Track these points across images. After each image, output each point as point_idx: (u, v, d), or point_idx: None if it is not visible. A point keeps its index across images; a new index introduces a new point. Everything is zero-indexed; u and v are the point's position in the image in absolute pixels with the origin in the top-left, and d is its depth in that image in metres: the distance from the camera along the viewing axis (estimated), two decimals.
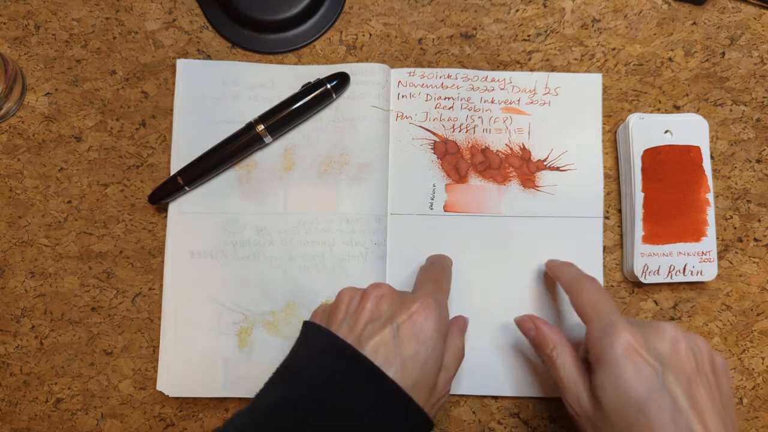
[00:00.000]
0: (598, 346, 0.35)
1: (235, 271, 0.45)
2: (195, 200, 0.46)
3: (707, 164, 0.45)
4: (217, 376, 0.44)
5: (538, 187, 0.47)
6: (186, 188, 0.45)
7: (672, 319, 0.46)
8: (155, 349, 0.46)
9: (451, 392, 0.45)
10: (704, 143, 0.45)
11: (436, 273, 0.41)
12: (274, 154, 0.47)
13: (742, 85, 0.48)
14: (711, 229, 0.45)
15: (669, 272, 0.45)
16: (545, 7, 0.48)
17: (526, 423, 0.46)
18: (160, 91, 0.48)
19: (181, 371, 0.45)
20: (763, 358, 0.46)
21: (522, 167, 0.47)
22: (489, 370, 0.45)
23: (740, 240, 0.47)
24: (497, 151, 0.47)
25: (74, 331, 0.46)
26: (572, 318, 0.45)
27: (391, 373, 0.33)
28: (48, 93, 0.47)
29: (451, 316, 0.45)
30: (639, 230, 0.45)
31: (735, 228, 0.47)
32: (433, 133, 0.47)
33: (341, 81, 0.46)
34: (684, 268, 0.45)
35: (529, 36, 0.48)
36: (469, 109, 0.47)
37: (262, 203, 0.46)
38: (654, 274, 0.45)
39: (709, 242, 0.45)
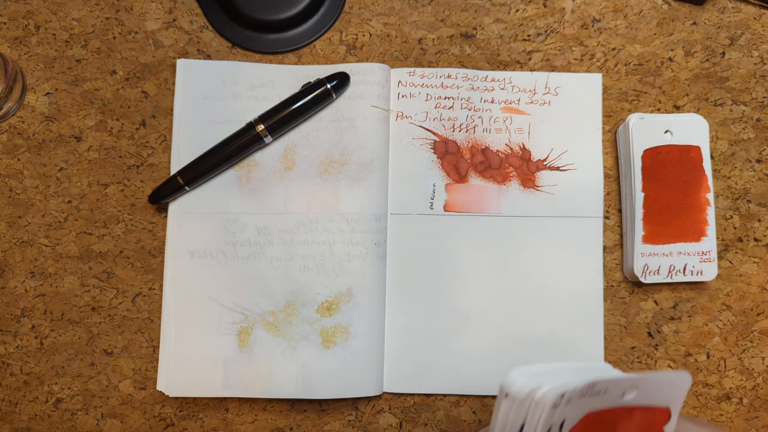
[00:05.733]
0: None
1: (235, 271, 0.46)
2: (195, 200, 0.46)
3: (707, 164, 0.45)
4: (217, 376, 0.44)
5: (538, 186, 0.47)
6: (186, 188, 0.45)
7: (672, 319, 0.46)
8: (155, 349, 0.46)
9: (451, 392, 0.45)
10: (704, 143, 0.45)
11: None
12: (274, 154, 0.47)
13: (742, 85, 0.48)
14: (711, 229, 0.45)
15: (669, 272, 0.45)
16: (545, 7, 0.48)
17: None
18: (160, 91, 0.48)
19: (181, 371, 0.45)
20: (763, 358, 0.46)
21: (522, 167, 0.47)
22: (489, 370, 0.45)
23: (740, 240, 0.47)
24: (497, 150, 0.47)
25: (74, 331, 0.46)
26: (571, 318, 0.45)
27: None
28: (48, 93, 0.47)
29: (448, 316, 0.46)
30: (639, 230, 0.45)
31: (735, 228, 0.47)
32: (433, 133, 0.47)
33: (341, 81, 0.46)
34: (684, 268, 0.45)
35: (529, 36, 0.48)
36: (469, 109, 0.47)
37: (263, 203, 0.46)
38: (654, 274, 0.45)
39: (709, 242, 0.45)
